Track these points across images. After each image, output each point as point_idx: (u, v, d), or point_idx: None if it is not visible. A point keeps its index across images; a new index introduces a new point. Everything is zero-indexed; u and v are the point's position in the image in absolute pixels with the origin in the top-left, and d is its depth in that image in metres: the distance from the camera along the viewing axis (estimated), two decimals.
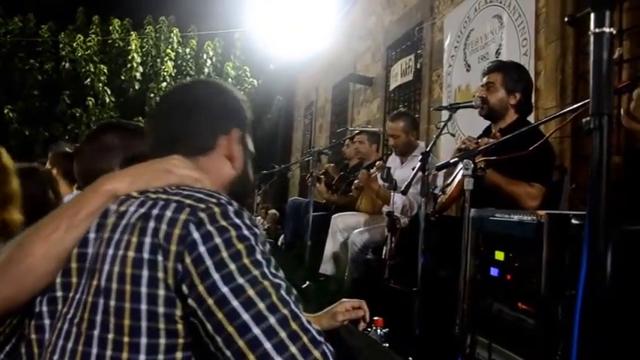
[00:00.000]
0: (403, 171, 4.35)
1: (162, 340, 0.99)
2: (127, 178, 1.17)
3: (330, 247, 4.67)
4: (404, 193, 3.33)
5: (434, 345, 2.81)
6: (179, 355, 1.00)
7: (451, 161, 2.77)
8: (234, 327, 0.96)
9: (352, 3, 8.71)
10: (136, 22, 15.17)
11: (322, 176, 5.57)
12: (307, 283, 4.37)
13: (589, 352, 1.01)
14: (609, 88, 1.02)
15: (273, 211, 10.02)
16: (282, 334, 0.96)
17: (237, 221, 1.04)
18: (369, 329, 2.27)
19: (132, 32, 14.47)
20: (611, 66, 1.02)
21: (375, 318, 2.34)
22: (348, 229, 4.55)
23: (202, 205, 1.04)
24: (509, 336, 2.26)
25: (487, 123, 3.47)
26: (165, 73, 14.52)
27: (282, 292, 1.01)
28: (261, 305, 0.97)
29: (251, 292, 0.98)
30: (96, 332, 1.00)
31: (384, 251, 3.61)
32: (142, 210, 1.05)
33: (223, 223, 1.02)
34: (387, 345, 2.32)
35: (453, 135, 4.52)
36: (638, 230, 1.85)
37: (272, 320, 0.97)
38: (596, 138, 1.01)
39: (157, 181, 1.15)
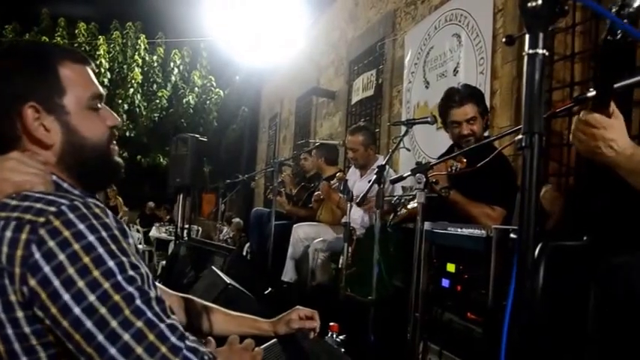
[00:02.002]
0: (362, 184, 4.40)
1: (42, 354, 1.00)
2: None
3: (292, 255, 4.72)
4: (359, 204, 3.38)
5: (388, 351, 2.87)
6: None
7: (404, 175, 2.84)
8: (92, 348, 0.95)
9: (316, 17, 8.79)
10: (102, 26, 15.02)
11: (282, 189, 5.60)
12: (269, 289, 4.40)
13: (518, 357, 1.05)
14: (540, 108, 1.04)
15: (237, 219, 10.04)
16: (138, 350, 0.95)
17: (81, 227, 0.99)
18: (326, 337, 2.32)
19: (99, 37, 14.31)
20: (543, 86, 1.05)
21: (331, 324, 2.38)
22: (308, 238, 4.62)
23: (42, 219, 0.99)
24: (459, 344, 2.33)
25: (444, 138, 3.54)
26: (133, 80, 14.41)
27: (137, 302, 0.98)
28: (114, 323, 0.95)
29: (103, 310, 0.95)
30: None
31: (340, 261, 3.66)
32: None
33: (66, 234, 0.98)
34: (343, 350, 2.35)
35: (408, 149, 4.60)
36: (568, 246, 1.94)
37: (126, 337, 0.95)
38: (527, 156, 1.03)
39: None
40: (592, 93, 1.60)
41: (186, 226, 6.40)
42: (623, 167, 1.54)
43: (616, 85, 1.47)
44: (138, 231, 11.46)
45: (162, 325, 0.98)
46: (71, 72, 1.20)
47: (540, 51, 1.04)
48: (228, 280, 2.73)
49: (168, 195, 11.60)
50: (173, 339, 0.98)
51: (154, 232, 10.85)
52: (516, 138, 1.08)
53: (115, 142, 1.31)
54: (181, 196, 6.28)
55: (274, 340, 1.82)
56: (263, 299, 3.98)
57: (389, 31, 6.23)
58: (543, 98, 1.07)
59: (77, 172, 1.22)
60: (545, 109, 1.88)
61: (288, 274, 4.70)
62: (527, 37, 1.06)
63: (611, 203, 1.92)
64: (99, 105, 1.25)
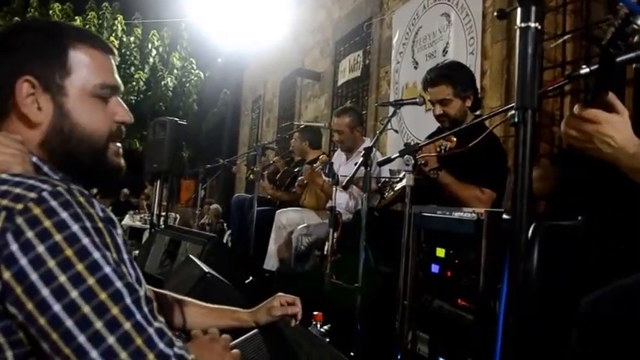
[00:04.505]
0: (348, 167, 4.33)
1: (9, 353, 0.92)
2: None
3: (274, 242, 4.62)
4: (345, 188, 3.31)
5: (375, 340, 2.83)
6: None
7: (392, 157, 2.77)
8: (70, 349, 0.87)
9: None
10: (77, 7, 14.81)
11: (264, 172, 5.48)
12: (251, 278, 4.33)
13: (514, 340, 1.02)
14: (534, 83, 1.01)
15: (215, 205, 10.03)
16: (123, 355, 0.88)
17: (64, 216, 0.91)
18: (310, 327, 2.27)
19: (76, 17, 14.11)
20: (536, 60, 1.01)
21: (315, 313, 2.35)
22: (292, 224, 4.51)
23: (20, 206, 0.91)
24: (449, 331, 2.30)
25: (433, 120, 3.44)
26: None
27: (127, 301, 0.91)
28: (98, 324, 0.88)
29: (86, 308, 0.88)
30: None
31: (326, 247, 3.59)
32: None
33: (46, 223, 0.90)
34: (328, 340, 2.31)
35: (396, 131, 4.54)
36: (561, 225, 1.89)
37: (111, 340, 0.88)
38: (519, 131, 1.01)
39: None
40: (584, 70, 1.52)
41: (163, 213, 6.27)
42: (624, 164, 1.41)
43: (618, 60, 1.36)
44: None
45: (150, 330, 0.91)
46: (85, 56, 1.16)
47: (532, 24, 1.02)
48: (206, 268, 2.66)
49: (143, 181, 11.47)
50: (161, 345, 0.91)
51: (127, 221, 10.79)
52: (509, 114, 1.05)
53: (119, 141, 1.25)
54: (158, 182, 6.14)
55: (255, 330, 1.78)
56: (244, 288, 3.93)
57: (376, 11, 6.15)
58: (537, 73, 1.04)
59: (61, 159, 1.14)
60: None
61: (271, 262, 4.60)
62: (518, 10, 1.03)
63: (603, 181, 1.88)
64: (110, 96, 1.21)
